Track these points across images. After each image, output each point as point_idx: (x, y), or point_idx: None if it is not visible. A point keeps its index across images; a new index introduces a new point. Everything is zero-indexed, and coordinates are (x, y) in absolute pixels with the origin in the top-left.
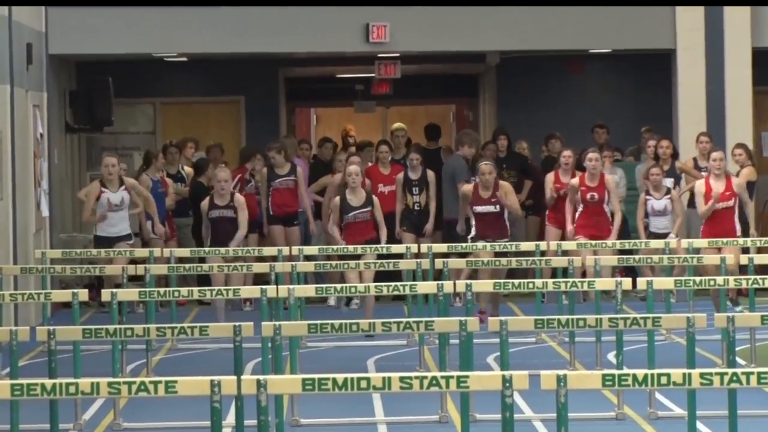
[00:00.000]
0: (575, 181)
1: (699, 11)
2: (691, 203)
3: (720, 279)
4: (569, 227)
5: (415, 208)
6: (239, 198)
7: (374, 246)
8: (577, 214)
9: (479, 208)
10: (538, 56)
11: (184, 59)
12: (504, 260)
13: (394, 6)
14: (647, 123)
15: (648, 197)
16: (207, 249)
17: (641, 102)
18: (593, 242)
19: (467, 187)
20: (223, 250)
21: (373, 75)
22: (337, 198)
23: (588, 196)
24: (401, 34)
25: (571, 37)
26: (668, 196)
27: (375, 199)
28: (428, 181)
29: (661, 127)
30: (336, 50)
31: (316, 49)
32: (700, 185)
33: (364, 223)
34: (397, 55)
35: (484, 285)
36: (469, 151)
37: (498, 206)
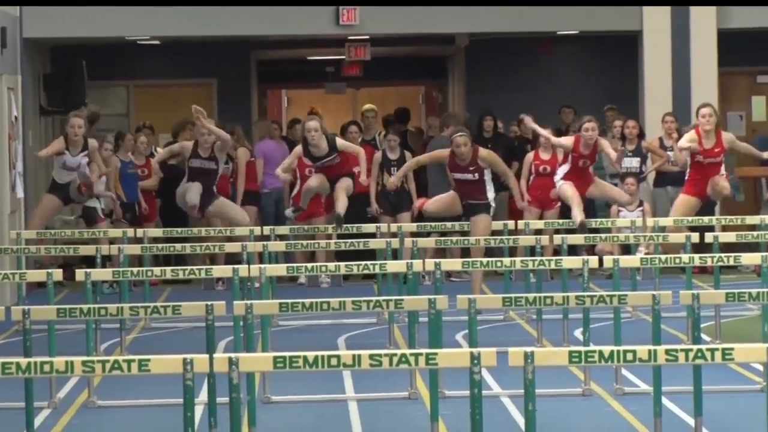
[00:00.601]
0: (569, 142)
1: None
2: (658, 182)
3: (685, 257)
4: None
5: (392, 187)
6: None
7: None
8: (565, 169)
9: (457, 175)
10: (507, 38)
11: (157, 42)
12: (473, 239)
13: None
14: (614, 104)
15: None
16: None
17: (608, 83)
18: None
19: (443, 151)
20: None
21: (343, 57)
22: (299, 147)
23: (580, 162)
24: (371, 17)
25: (540, 19)
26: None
27: (339, 141)
28: (406, 161)
29: (628, 108)
30: (307, 33)
31: (287, 32)
32: (691, 134)
33: (333, 167)
34: (367, 37)
35: (452, 263)
36: (450, 132)
37: (476, 174)
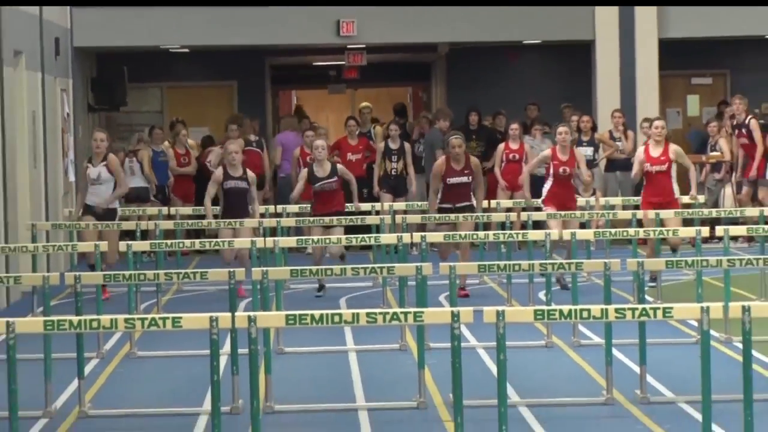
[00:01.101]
0: (547, 152)
1: (614, 8)
2: (608, 168)
3: (631, 230)
4: (527, 194)
5: (392, 173)
6: (251, 174)
7: (341, 217)
8: (547, 186)
9: (451, 179)
10: (482, 46)
11: (186, 50)
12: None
13: (361, 6)
14: (571, 101)
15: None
16: (216, 222)
17: (566, 84)
18: (562, 213)
19: (438, 164)
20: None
21: (343, 63)
22: (305, 170)
23: (560, 170)
24: (367, 29)
25: (509, 30)
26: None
27: (340, 167)
28: (405, 150)
29: (582, 105)
30: (312, 42)
31: (296, 42)
32: (640, 152)
33: (331, 193)
34: (363, 46)
35: (436, 236)
36: (444, 125)
37: (469, 177)
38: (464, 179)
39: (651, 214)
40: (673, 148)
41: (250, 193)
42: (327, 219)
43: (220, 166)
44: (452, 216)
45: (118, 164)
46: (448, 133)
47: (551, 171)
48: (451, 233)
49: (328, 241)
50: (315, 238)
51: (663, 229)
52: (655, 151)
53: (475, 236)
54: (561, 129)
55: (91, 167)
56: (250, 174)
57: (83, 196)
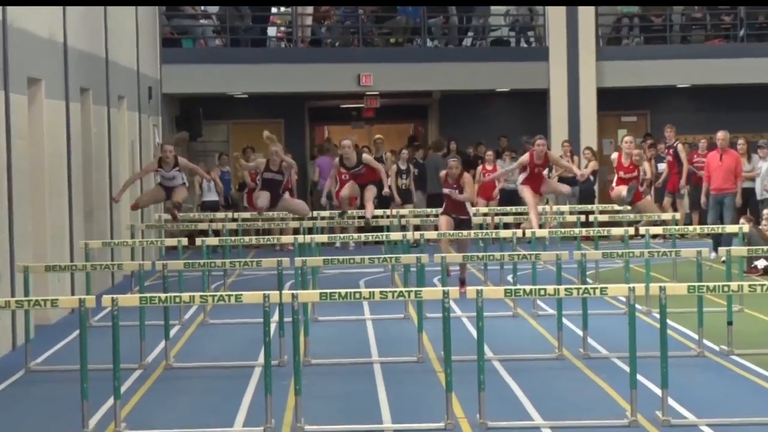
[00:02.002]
0: (525, 157)
1: (564, 65)
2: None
3: (576, 230)
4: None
5: (402, 187)
6: (290, 162)
7: (374, 188)
8: (523, 176)
9: (446, 190)
10: (465, 93)
11: (246, 96)
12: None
13: (376, 63)
14: (531, 133)
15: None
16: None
17: (528, 121)
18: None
19: (443, 173)
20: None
21: (362, 105)
22: (336, 160)
23: (536, 170)
24: (380, 80)
25: (485, 81)
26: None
27: (365, 156)
28: (411, 171)
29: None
30: (340, 90)
31: (328, 89)
32: (614, 157)
33: (361, 176)
34: (377, 93)
35: (430, 233)
36: (440, 153)
37: (458, 191)
38: (456, 192)
39: (623, 190)
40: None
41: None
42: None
43: (265, 159)
44: (458, 233)
45: (187, 162)
46: (449, 156)
47: (528, 169)
48: (449, 233)
49: (351, 237)
50: (342, 235)
51: (601, 228)
52: (627, 161)
53: (460, 234)
54: (539, 142)
55: (163, 171)
56: (287, 164)
57: (136, 177)
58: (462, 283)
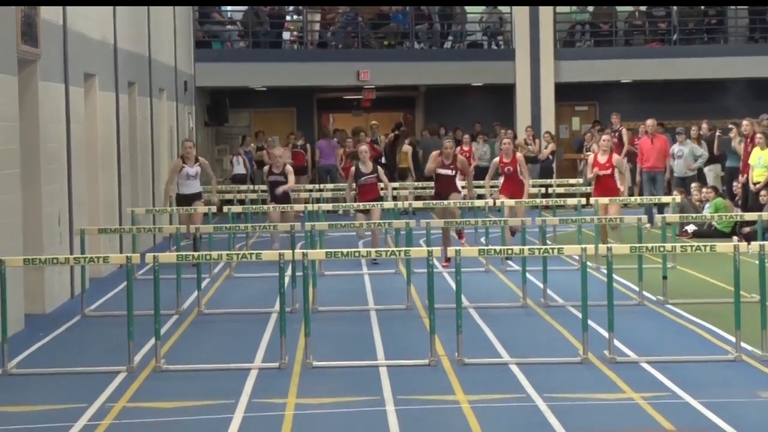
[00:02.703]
0: (496, 160)
1: (527, 64)
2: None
3: (538, 200)
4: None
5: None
6: (289, 168)
7: (379, 203)
8: (500, 182)
9: (441, 170)
10: (446, 87)
11: (265, 89)
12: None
13: (372, 61)
14: (500, 121)
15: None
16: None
17: (498, 109)
18: (513, 201)
19: (434, 155)
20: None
21: (361, 96)
22: (353, 168)
23: (506, 169)
24: (376, 76)
25: (462, 77)
26: None
27: (380, 169)
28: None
29: (507, 123)
30: (342, 84)
31: (333, 83)
32: (591, 158)
33: (371, 185)
34: (373, 86)
35: (417, 203)
36: (431, 136)
37: (454, 171)
38: (449, 172)
39: (600, 200)
40: (616, 157)
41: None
42: (369, 204)
43: (267, 165)
44: (445, 203)
45: (208, 165)
46: (444, 137)
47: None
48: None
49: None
50: (343, 204)
51: (558, 198)
52: (602, 158)
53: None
54: (505, 140)
55: (187, 167)
56: (288, 168)
57: (170, 188)
58: (460, 234)
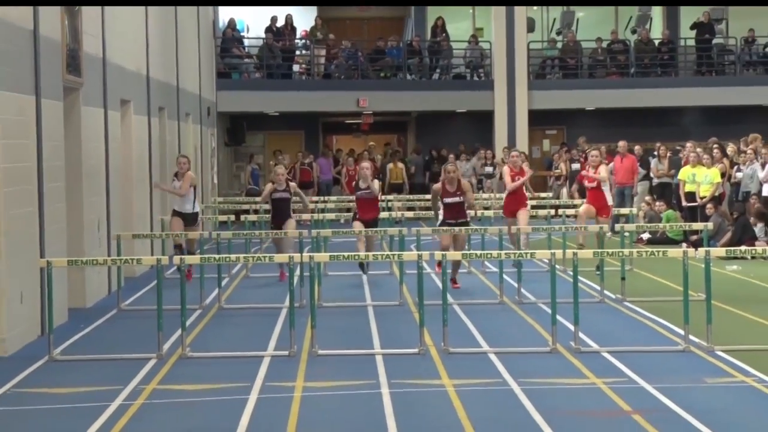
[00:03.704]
0: (506, 169)
1: (504, 93)
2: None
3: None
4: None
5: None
6: (293, 185)
7: (376, 229)
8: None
9: (447, 200)
10: (434, 112)
11: (277, 114)
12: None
13: (370, 90)
14: (481, 143)
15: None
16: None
17: (479, 134)
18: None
19: (436, 186)
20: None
21: (360, 121)
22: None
23: (515, 178)
24: (373, 103)
25: (448, 104)
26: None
27: (376, 186)
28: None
29: (487, 144)
30: (344, 110)
31: (336, 109)
32: (582, 174)
33: (370, 201)
34: (371, 112)
35: (408, 213)
36: (419, 155)
37: (461, 197)
38: (457, 199)
39: (586, 212)
40: (602, 170)
41: (293, 199)
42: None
43: (270, 182)
44: (454, 229)
45: (193, 179)
46: (446, 162)
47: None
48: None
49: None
50: (345, 215)
51: (532, 209)
52: (591, 172)
53: (459, 231)
54: (514, 153)
55: (177, 182)
56: (292, 185)
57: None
58: (453, 282)
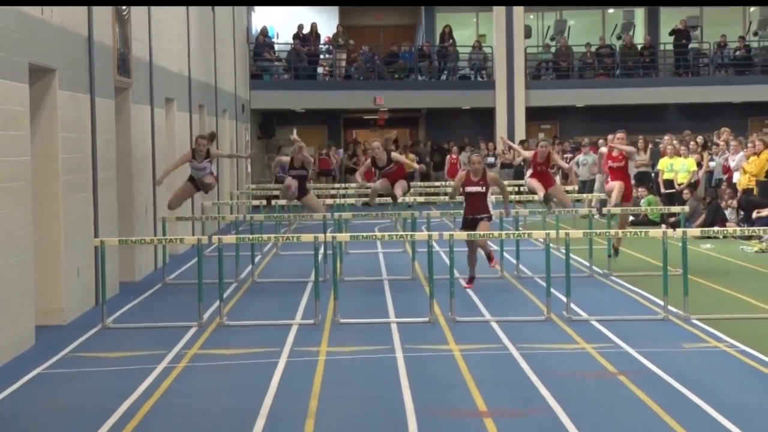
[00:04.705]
0: (529, 153)
1: (504, 92)
2: (501, 168)
3: (512, 196)
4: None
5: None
6: (308, 159)
7: (404, 182)
8: (530, 172)
9: (469, 188)
10: (442, 109)
11: (303, 111)
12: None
13: (386, 90)
14: (484, 136)
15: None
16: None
17: (481, 128)
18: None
19: (461, 173)
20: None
21: (377, 117)
22: (369, 161)
23: (539, 168)
24: (388, 101)
25: (454, 102)
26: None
27: (394, 154)
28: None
29: (489, 137)
30: (363, 107)
31: (355, 107)
32: (603, 151)
33: (393, 174)
34: (386, 109)
35: (420, 198)
36: (426, 148)
37: (484, 187)
38: (479, 189)
39: (619, 189)
40: (626, 149)
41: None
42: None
43: (288, 156)
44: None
45: (219, 152)
46: (472, 152)
47: (532, 166)
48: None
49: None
50: (362, 199)
51: (524, 196)
52: (616, 152)
53: (477, 235)
54: (542, 143)
55: (195, 162)
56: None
57: (174, 166)
58: (490, 258)
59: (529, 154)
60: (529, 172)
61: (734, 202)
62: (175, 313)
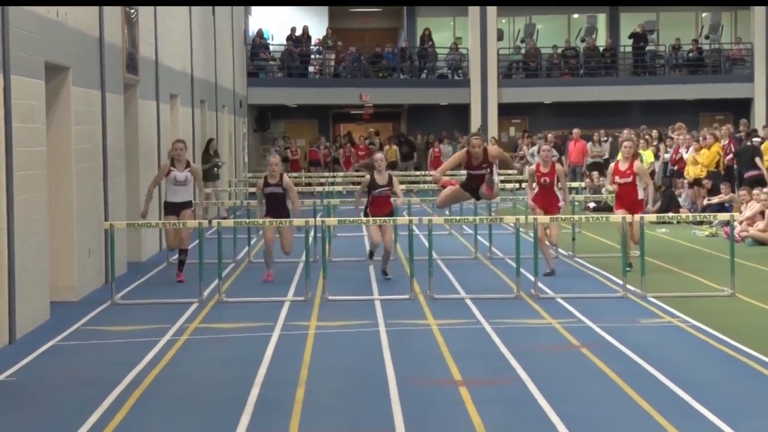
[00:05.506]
0: (532, 168)
1: (478, 89)
2: None
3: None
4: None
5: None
6: (287, 180)
7: (392, 218)
8: (534, 193)
9: (472, 172)
10: (422, 105)
11: (296, 106)
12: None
13: (371, 87)
14: (459, 131)
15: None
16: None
17: (458, 122)
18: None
19: (461, 154)
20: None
21: (363, 112)
22: (367, 177)
23: (542, 180)
24: (373, 97)
25: (433, 98)
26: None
27: (395, 179)
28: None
29: (464, 132)
30: (350, 102)
31: (343, 102)
32: (611, 167)
33: (385, 198)
34: (371, 105)
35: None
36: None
37: (487, 169)
38: (482, 172)
39: (618, 214)
40: (637, 165)
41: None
42: (380, 219)
43: (263, 177)
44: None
45: (199, 173)
46: (471, 135)
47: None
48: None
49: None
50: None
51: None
52: (623, 166)
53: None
54: (544, 147)
55: (176, 171)
56: (286, 180)
57: (154, 184)
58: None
59: (531, 168)
60: (531, 194)
61: (689, 191)
62: (178, 291)
